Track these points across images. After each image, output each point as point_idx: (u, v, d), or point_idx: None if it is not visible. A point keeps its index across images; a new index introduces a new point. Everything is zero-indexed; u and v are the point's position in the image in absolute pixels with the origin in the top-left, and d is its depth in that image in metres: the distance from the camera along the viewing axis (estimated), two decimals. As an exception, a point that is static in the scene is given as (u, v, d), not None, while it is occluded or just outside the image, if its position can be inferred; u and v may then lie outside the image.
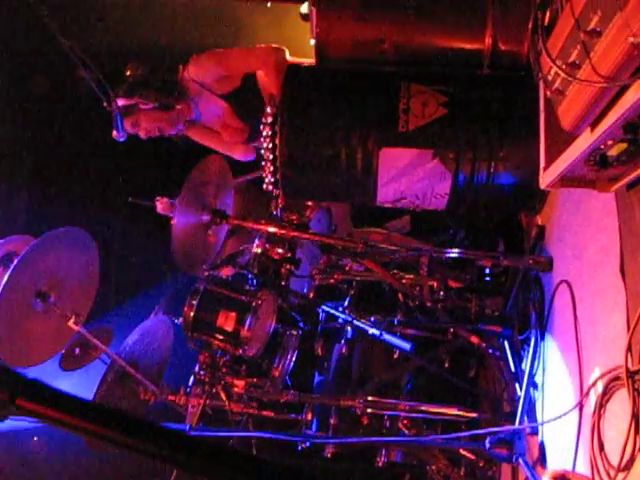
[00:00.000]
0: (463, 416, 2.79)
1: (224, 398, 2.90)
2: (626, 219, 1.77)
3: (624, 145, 1.40)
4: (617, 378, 1.72)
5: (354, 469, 3.62)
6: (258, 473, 0.80)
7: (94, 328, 3.48)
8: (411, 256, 3.01)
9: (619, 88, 1.12)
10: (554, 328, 2.45)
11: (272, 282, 3.21)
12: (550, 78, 1.34)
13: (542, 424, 2.40)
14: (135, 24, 3.88)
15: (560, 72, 1.18)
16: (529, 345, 2.61)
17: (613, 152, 1.44)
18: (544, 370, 2.51)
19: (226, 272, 3.63)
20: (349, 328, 3.33)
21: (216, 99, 3.38)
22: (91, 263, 3.16)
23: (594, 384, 1.89)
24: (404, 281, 3.26)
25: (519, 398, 2.51)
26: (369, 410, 2.91)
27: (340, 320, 3.25)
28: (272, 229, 3.02)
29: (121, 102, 3.22)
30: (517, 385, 2.65)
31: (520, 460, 2.25)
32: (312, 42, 2.95)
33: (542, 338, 2.54)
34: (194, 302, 2.99)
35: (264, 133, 2.57)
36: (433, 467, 3.19)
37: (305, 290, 3.70)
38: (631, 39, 0.98)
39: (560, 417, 2.07)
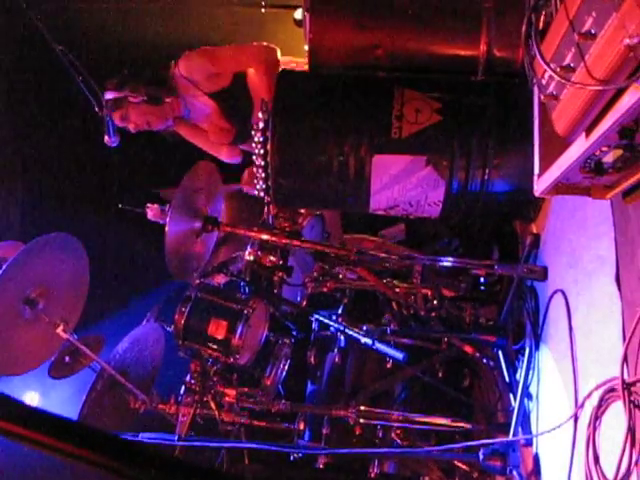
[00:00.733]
0: (457, 427, 2.75)
1: (214, 408, 2.85)
2: (622, 227, 1.74)
3: (620, 151, 1.36)
4: (612, 390, 1.69)
5: (347, 480, 3.58)
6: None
7: (84, 336, 3.43)
8: (404, 264, 2.98)
9: (615, 91, 1.09)
10: (549, 338, 2.41)
11: (264, 290, 3.18)
12: (544, 82, 1.31)
13: (536, 436, 2.36)
14: (130, 24, 3.86)
15: (554, 75, 1.15)
16: (524, 355, 2.58)
17: (608, 159, 1.41)
18: (539, 381, 2.47)
19: (219, 280, 3.60)
20: (342, 337, 3.30)
21: (204, 98, 3.37)
22: (81, 270, 3.11)
23: (589, 395, 1.85)
24: (397, 290, 3.23)
25: (513, 409, 2.47)
26: (362, 420, 2.88)
27: (332, 329, 3.21)
28: (264, 236, 2.99)
29: (111, 95, 3.22)
30: (511, 396, 2.62)
31: (514, 472, 2.21)
32: (306, 48, 2.93)
33: (537, 348, 2.50)
34: (185, 310, 2.97)
35: (255, 139, 2.54)
36: (427, 478, 3.16)
37: (298, 298, 3.67)
38: (627, 41, 0.95)
39: (555, 429, 2.03)
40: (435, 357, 3.10)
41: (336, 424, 3.03)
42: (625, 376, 1.60)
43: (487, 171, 2.49)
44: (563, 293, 2.23)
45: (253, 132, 2.55)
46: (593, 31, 1.05)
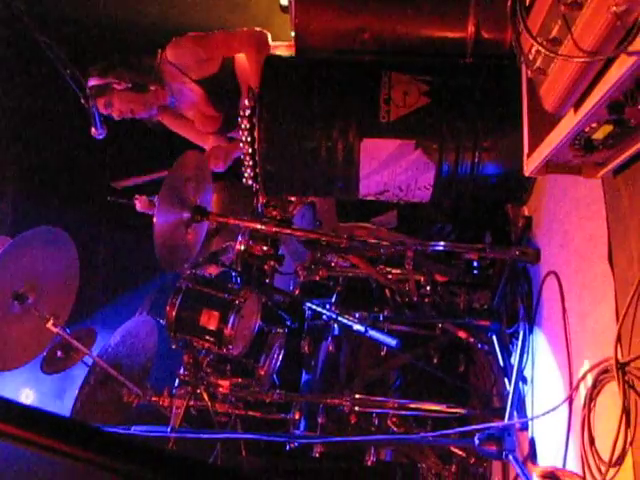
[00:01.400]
0: (452, 413, 2.74)
1: (206, 399, 2.83)
2: (613, 206, 1.71)
3: (609, 127, 1.34)
4: (607, 370, 1.67)
5: (343, 468, 3.57)
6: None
7: (76, 330, 3.40)
8: (396, 250, 2.96)
9: (603, 63, 1.07)
10: (542, 321, 2.39)
11: (255, 280, 3.15)
12: (531, 57, 1.28)
13: (532, 419, 2.35)
14: (115, 11, 3.82)
15: (541, 49, 1.12)
16: (518, 339, 2.55)
17: (598, 135, 1.39)
18: (533, 364, 2.45)
19: (211, 271, 3.58)
20: (336, 325, 3.28)
21: (191, 84, 3.33)
22: (70, 263, 3.08)
23: (584, 377, 1.83)
24: (390, 276, 3.21)
25: (508, 393, 2.45)
26: (357, 408, 2.86)
27: (325, 317, 3.19)
28: (255, 225, 2.97)
29: (95, 81, 3.19)
30: (506, 380, 2.60)
31: (510, 457, 2.19)
32: (292, 34, 2.89)
33: (531, 331, 2.48)
34: (176, 301, 2.95)
35: (242, 126, 2.50)
36: (423, 465, 3.15)
37: (291, 287, 3.65)
38: (613, 8, 0.92)
39: (550, 412, 2.01)
40: (429, 343, 3.08)
41: (331, 413, 3.01)
42: (619, 356, 1.58)
43: (477, 154, 2.46)
44: (556, 275, 2.21)
45: (240, 119, 2.51)
46: (579, 1, 1.02)
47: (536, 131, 1.58)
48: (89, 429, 0.74)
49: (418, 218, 3.59)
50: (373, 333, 2.82)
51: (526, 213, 2.67)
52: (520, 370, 2.48)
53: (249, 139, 2.51)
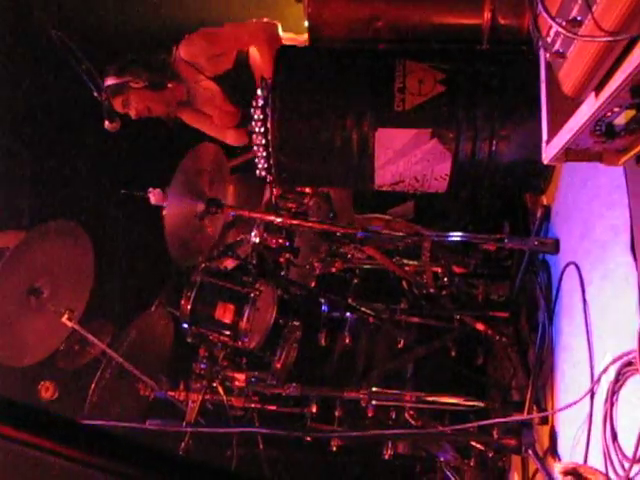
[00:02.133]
0: (470, 406, 2.70)
1: (222, 393, 2.81)
2: (636, 194, 1.66)
3: (632, 112, 1.29)
4: (630, 363, 1.62)
5: (361, 462, 3.55)
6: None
7: (92, 324, 3.39)
8: (413, 242, 2.92)
9: (626, 44, 1.02)
10: (562, 312, 2.34)
11: (271, 272, 3.13)
12: (550, 40, 1.23)
13: (552, 413, 2.30)
14: (129, 7, 3.79)
15: (560, 30, 1.08)
16: (537, 331, 2.50)
17: (621, 120, 1.33)
18: (553, 357, 2.40)
19: (227, 264, 3.55)
20: (352, 318, 3.25)
21: (207, 82, 3.31)
22: (85, 257, 3.08)
23: (605, 370, 1.79)
24: (407, 268, 3.17)
25: (528, 386, 2.41)
26: (374, 402, 2.83)
27: (342, 310, 3.17)
28: (270, 218, 2.94)
29: (112, 80, 3.18)
30: (525, 373, 2.56)
31: (529, 451, 2.15)
32: (306, 24, 2.86)
33: (550, 323, 2.43)
34: (190, 294, 2.94)
35: (255, 116, 2.47)
36: (442, 459, 3.12)
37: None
38: (637, -15, 0.88)
39: (570, 406, 1.97)
40: (447, 336, 3.04)
41: (348, 406, 2.99)
42: (642, 349, 1.54)
43: (494, 142, 2.41)
44: (576, 265, 2.16)
45: (252, 110, 2.48)
46: (600, -22, 0.97)
47: (555, 117, 1.52)
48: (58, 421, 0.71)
49: (435, 209, 3.54)
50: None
51: (545, 202, 2.61)
52: (540, 363, 2.43)
53: (262, 130, 2.48)
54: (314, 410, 3.04)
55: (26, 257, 2.78)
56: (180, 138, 3.47)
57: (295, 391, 2.92)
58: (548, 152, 1.58)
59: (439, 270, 3.07)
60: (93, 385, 3.08)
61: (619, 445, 1.64)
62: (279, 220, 2.92)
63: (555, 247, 2.40)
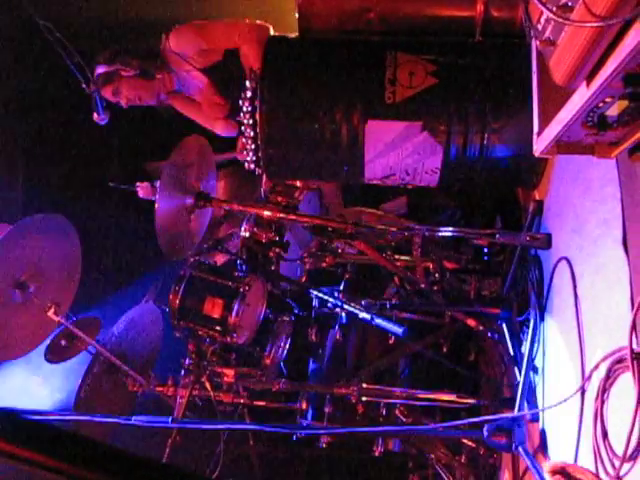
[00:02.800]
0: (461, 403, 2.67)
1: (209, 388, 2.78)
2: (628, 187, 1.63)
3: (625, 102, 1.25)
4: (621, 360, 1.59)
5: (350, 458, 3.53)
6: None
7: (79, 318, 3.35)
8: (404, 237, 2.89)
9: (618, 30, 0.98)
10: (554, 308, 2.31)
11: (261, 267, 3.10)
12: (540, 27, 1.20)
13: (543, 410, 2.27)
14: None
15: (550, 15, 1.04)
16: (528, 327, 2.48)
17: (613, 111, 1.30)
18: (544, 353, 2.38)
19: (218, 259, 3.52)
20: (343, 313, 3.22)
21: (196, 73, 3.27)
22: (72, 251, 3.03)
23: (596, 367, 1.76)
24: (398, 263, 3.14)
25: (519, 383, 2.38)
26: (364, 398, 2.81)
27: (330, 304, 3.14)
28: (259, 212, 2.91)
29: (102, 69, 3.15)
30: (516, 369, 2.53)
31: (520, 449, 2.12)
32: (296, 15, 2.81)
33: (542, 319, 2.41)
34: (179, 289, 2.90)
35: (244, 108, 2.43)
36: (433, 455, 3.10)
37: (298, 275, 3.59)
38: (629, -34, 0.84)
39: (561, 403, 1.94)
40: (438, 332, 3.02)
41: (339, 402, 2.96)
42: (634, 345, 1.51)
43: (486, 136, 2.39)
44: (568, 261, 2.13)
45: (241, 102, 2.44)
46: (592, -39, 0.94)
47: (547, 109, 1.49)
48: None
49: (428, 204, 3.52)
50: (379, 321, 2.75)
51: (537, 197, 2.58)
52: (531, 359, 2.41)
53: (251, 122, 2.44)
54: (304, 406, 3.01)
55: (11, 251, 2.73)
56: (168, 132, 3.42)
57: (284, 387, 2.89)
58: (539, 144, 1.55)
59: (430, 265, 3.05)
60: (80, 381, 3.04)
61: (609, 443, 1.61)
62: (268, 214, 2.88)
63: (547, 242, 2.37)
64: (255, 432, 3.41)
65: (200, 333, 2.97)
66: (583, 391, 1.84)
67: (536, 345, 2.41)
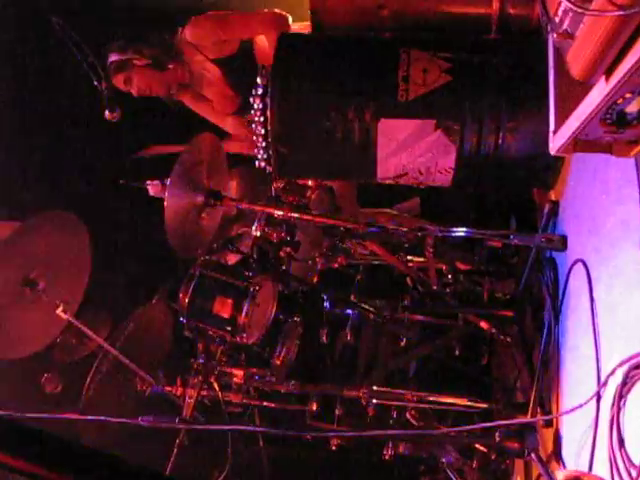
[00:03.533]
0: (473, 407, 2.63)
1: (217, 389, 2.76)
2: (648, 188, 1.58)
3: (645, 98, 1.21)
4: (638, 366, 1.55)
5: (361, 461, 3.50)
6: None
7: (89, 316, 3.34)
8: (417, 237, 2.85)
9: (639, 20, 0.94)
10: (569, 312, 2.27)
11: (271, 267, 3.07)
12: (558, 19, 1.16)
13: (556, 416, 2.22)
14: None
15: (569, 5, 1.00)
16: (542, 330, 2.43)
17: (633, 108, 1.26)
18: (559, 357, 2.33)
19: (231, 259, 3.50)
20: (354, 314, 3.19)
21: (209, 65, 3.27)
22: (82, 248, 3.02)
23: (613, 373, 1.71)
24: (410, 265, 3.11)
25: (532, 388, 2.33)
26: (375, 400, 2.77)
27: (344, 306, 3.11)
28: (271, 211, 2.88)
29: (115, 57, 3.15)
30: (530, 374, 2.48)
31: (532, 455, 2.08)
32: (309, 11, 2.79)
33: (556, 322, 2.36)
34: (189, 288, 2.88)
35: (254, 105, 2.41)
36: (444, 460, 3.05)
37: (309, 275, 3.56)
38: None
39: (576, 409, 1.89)
40: (451, 334, 2.98)
41: (349, 405, 2.93)
42: (652, 351, 1.46)
43: (501, 135, 2.34)
44: (584, 263, 2.08)
45: (252, 99, 2.42)
46: (613, -53, 0.89)
47: (564, 105, 1.45)
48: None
49: (441, 205, 3.48)
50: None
51: (553, 198, 2.54)
52: (544, 363, 2.36)
53: (261, 119, 2.41)
54: (314, 408, 2.98)
55: (21, 248, 2.72)
56: (179, 128, 3.41)
57: (294, 388, 2.87)
58: (555, 142, 1.50)
59: (443, 267, 3.01)
60: (88, 379, 3.02)
61: (626, 452, 1.56)
62: (280, 213, 2.85)
63: (563, 244, 2.32)
64: (265, 433, 3.39)
65: (210, 333, 2.95)
66: (599, 397, 1.80)
67: (550, 349, 2.37)
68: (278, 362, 2.98)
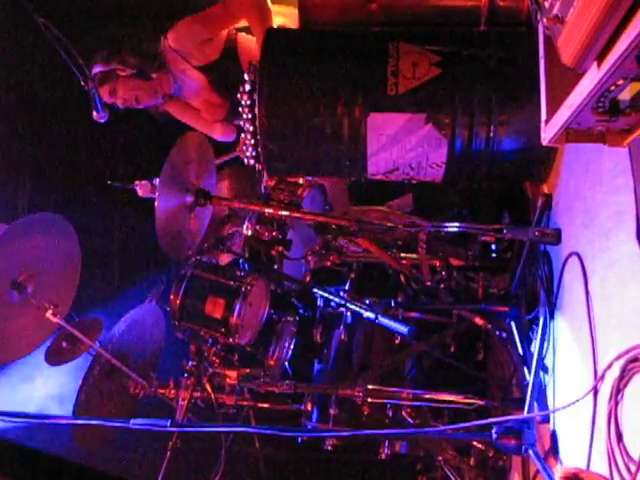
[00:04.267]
0: (469, 404, 2.60)
1: (209, 390, 2.72)
2: (642, 177, 1.56)
3: (639, 85, 1.18)
4: (636, 359, 1.52)
5: (357, 461, 3.47)
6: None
7: (80, 320, 3.31)
8: (409, 234, 2.82)
9: (631, 2, 0.91)
10: (564, 306, 2.24)
11: (263, 266, 3.04)
12: (548, 4, 1.13)
13: (553, 411, 2.20)
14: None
15: (557, -13, 0.97)
16: (538, 325, 2.40)
17: (626, 95, 1.23)
18: (554, 352, 2.31)
19: (224, 259, 3.46)
20: (348, 313, 3.16)
21: (194, 72, 3.23)
22: (71, 251, 2.98)
23: (610, 366, 1.68)
24: (404, 262, 3.08)
25: (528, 383, 2.30)
26: (369, 399, 2.74)
27: (334, 304, 3.08)
28: (262, 209, 2.85)
29: (99, 68, 3.10)
30: (526, 369, 2.45)
31: (530, 451, 2.05)
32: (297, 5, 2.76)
33: (552, 317, 2.33)
34: (180, 289, 2.86)
35: (242, 102, 2.37)
36: (440, 458, 3.03)
37: (302, 274, 3.53)
38: None
39: (573, 404, 1.87)
40: (446, 331, 2.95)
41: (344, 404, 2.90)
42: (649, 343, 1.44)
43: (492, 128, 2.31)
44: (578, 256, 2.05)
45: (239, 95, 2.38)
46: None
47: (555, 95, 1.42)
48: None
49: (434, 202, 3.45)
50: (383, 320, 2.68)
51: (545, 191, 2.51)
52: (541, 359, 2.34)
53: (250, 116, 2.38)
54: (309, 408, 2.95)
55: (8, 251, 2.68)
56: (167, 129, 3.38)
57: (288, 388, 2.83)
58: (547, 132, 1.47)
59: (437, 263, 2.98)
60: (81, 383, 2.98)
61: (624, 446, 1.53)
62: (271, 211, 2.82)
63: (557, 237, 2.29)
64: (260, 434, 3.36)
65: (202, 334, 2.92)
66: (596, 391, 1.77)
67: (546, 344, 2.34)
68: (272, 362, 2.95)
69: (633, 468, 1.45)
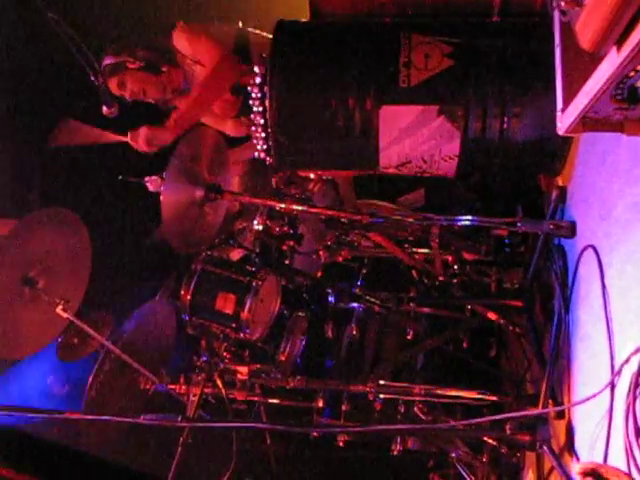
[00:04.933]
0: (483, 400, 2.58)
1: (221, 386, 2.71)
2: (660, 167, 1.52)
3: (659, 71, 1.15)
4: (654, 353, 1.49)
5: (369, 457, 3.46)
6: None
7: (91, 315, 3.30)
8: (421, 228, 2.79)
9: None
10: (580, 299, 2.21)
11: (274, 261, 3.02)
12: (565, -12, 1.10)
13: (569, 407, 2.17)
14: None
15: (577, -32, 0.94)
16: (553, 320, 2.37)
17: (645, 82, 1.20)
18: (570, 347, 2.27)
19: (235, 255, 3.45)
20: (360, 308, 3.14)
21: (205, 69, 3.19)
22: (82, 246, 2.97)
23: (627, 361, 1.65)
24: (416, 257, 3.06)
25: (543, 379, 2.28)
26: (382, 395, 2.72)
27: (349, 300, 3.06)
28: (272, 204, 2.83)
29: (109, 60, 3.10)
30: (540, 364, 2.42)
31: (544, 447, 2.03)
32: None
33: (567, 311, 2.30)
34: (190, 284, 2.84)
35: (253, 95, 2.35)
36: (453, 454, 3.01)
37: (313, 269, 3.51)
38: None
39: (589, 399, 1.83)
40: (458, 326, 2.93)
41: (356, 400, 2.89)
42: (669, 337, 1.40)
43: (506, 120, 2.28)
44: (594, 249, 2.02)
45: (250, 88, 2.36)
46: None
47: (572, 82, 1.39)
48: None
49: (446, 196, 3.42)
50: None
51: (560, 183, 2.47)
52: (555, 353, 2.30)
53: (260, 109, 2.36)
54: (320, 404, 2.94)
55: (19, 246, 2.68)
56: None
57: (300, 384, 2.82)
58: (564, 121, 1.44)
59: (449, 258, 2.95)
60: (90, 379, 2.98)
61: (643, 442, 1.50)
62: (282, 206, 2.80)
63: (571, 230, 2.26)
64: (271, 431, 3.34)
65: (213, 329, 2.91)
66: (613, 386, 1.74)
67: (561, 338, 2.31)
68: (283, 358, 2.93)
69: (652, 464, 1.43)
